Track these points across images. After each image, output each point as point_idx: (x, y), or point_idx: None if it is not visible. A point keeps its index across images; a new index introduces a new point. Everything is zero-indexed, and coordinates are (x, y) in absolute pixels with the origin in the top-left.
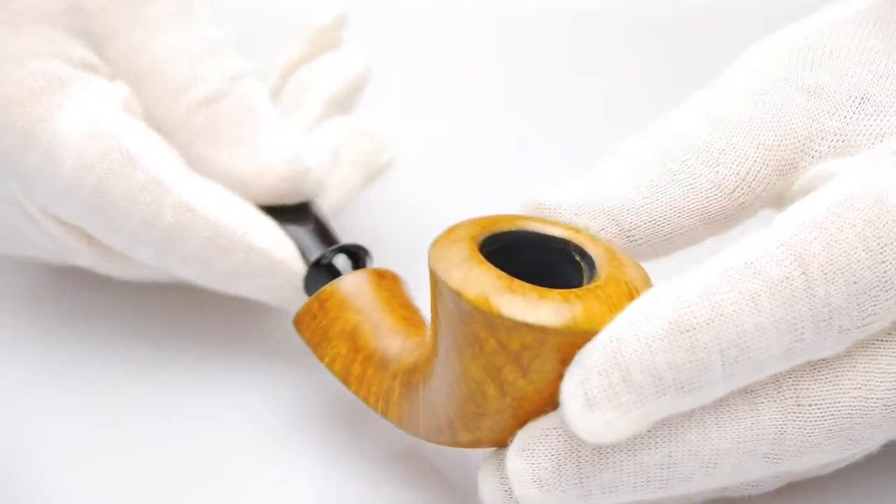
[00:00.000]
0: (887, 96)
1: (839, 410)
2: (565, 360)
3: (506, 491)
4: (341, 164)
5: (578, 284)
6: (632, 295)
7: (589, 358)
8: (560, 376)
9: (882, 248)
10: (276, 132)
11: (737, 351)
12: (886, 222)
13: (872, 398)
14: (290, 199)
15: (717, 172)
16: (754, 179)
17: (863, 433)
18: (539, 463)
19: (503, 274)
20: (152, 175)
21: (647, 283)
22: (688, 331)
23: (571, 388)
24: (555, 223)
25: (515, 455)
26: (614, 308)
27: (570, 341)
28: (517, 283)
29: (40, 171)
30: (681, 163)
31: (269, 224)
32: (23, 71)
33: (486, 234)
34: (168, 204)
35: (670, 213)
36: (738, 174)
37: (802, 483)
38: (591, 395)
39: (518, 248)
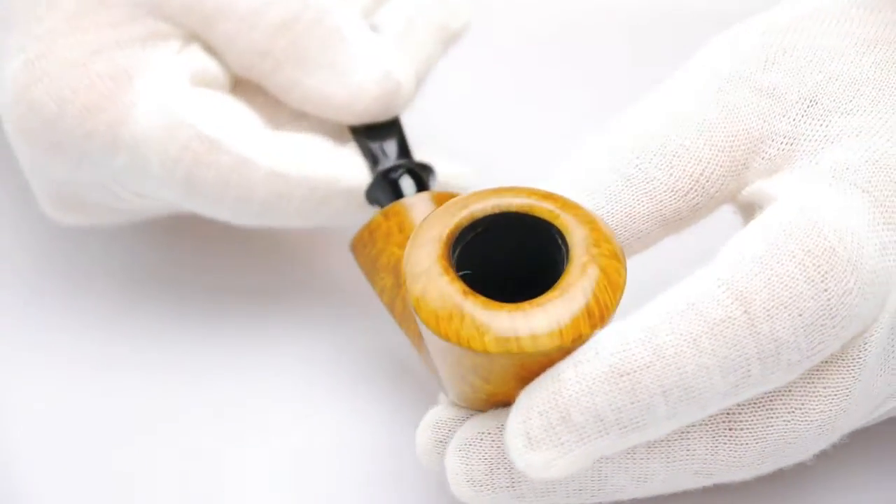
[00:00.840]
0: (834, 100)
1: (771, 434)
2: (523, 369)
3: (437, 451)
4: (416, 32)
5: (563, 264)
6: (590, 307)
7: (530, 398)
8: (522, 379)
9: (823, 276)
10: (363, 50)
11: (680, 391)
12: (824, 250)
13: (806, 421)
14: (382, 118)
15: (671, 175)
16: (707, 181)
17: (796, 453)
18: (473, 465)
19: (458, 289)
20: (237, 154)
21: (618, 277)
22: (628, 373)
23: (513, 427)
24: (546, 195)
25: (452, 453)
26: (564, 326)
27: (519, 361)
28: (469, 302)
29: (130, 169)
30: (635, 167)
31: (358, 161)
32: (90, 75)
33: (466, 222)
34: (259, 179)
35: (626, 220)
36: (691, 176)
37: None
38: (531, 435)
39: (503, 228)
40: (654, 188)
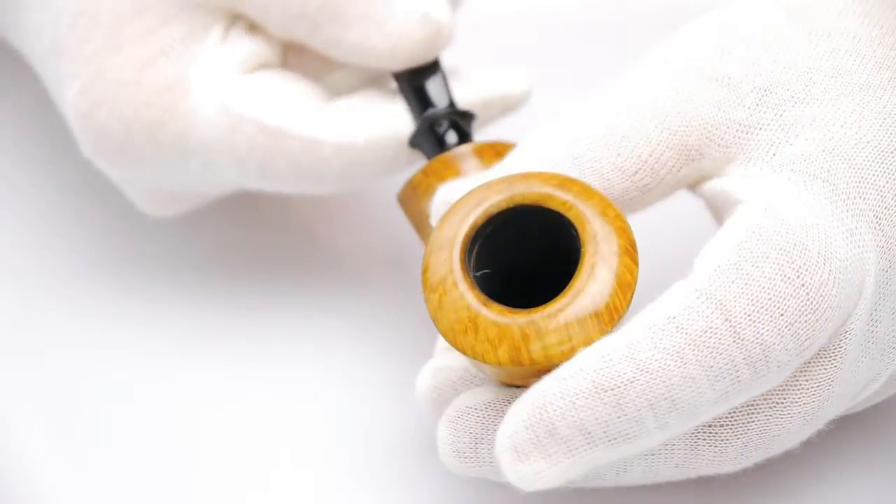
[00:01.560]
0: (788, 89)
1: (753, 429)
2: (536, 373)
3: (434, 396)
4: None
5: (579, 254)
6: (600, 313)
7: (517, 413)
8: (537, 375)
9: (798, 272)
10: None
11: (667, 403)
12: (795, 246)
13: (788, 415)
14: (425, 60)
15: (619, 155)
16: (657, 162)
17: (781, 444)
18: (459, 437)
19: (474, 298)
20: (303, 136)
21: (629, 277)
22: (612, 389)
23: (502, 441)
24: (564, 181)
25: (443, 423)
26: (576, 337)
27: (532, 370)
28: (484, 314)
29: (206, 168)
30: (584, 146)
31: (407, 118)
32: (146, 91)
33: (482, 220)
34: (330, 154)
35: None
36: (640, 157)
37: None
38: (519, 448)
39: (520, 220)
40: (602, 167)
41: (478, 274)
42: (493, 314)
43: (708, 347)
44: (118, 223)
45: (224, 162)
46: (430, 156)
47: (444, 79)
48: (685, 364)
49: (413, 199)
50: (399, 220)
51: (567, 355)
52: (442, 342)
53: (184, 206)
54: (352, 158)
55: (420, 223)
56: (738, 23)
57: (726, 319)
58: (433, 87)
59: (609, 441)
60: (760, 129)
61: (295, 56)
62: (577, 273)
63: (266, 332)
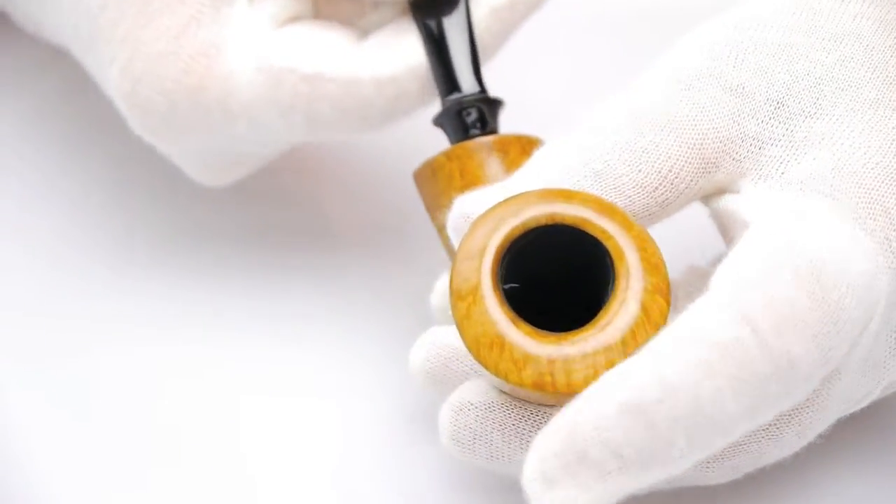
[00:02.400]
0: (799, 102)
1: (744, 455)
2: (557, 400)
3: (426, 368)
4: None
5: (611, 287)
6: (628, 350)
7: (545, 442)
8: (554, 400)
9: (820, 287)
10: None
11: (698, 419)
12: (813, 261)
13: (779, 437)
14: None
15: (640, 171)
16: (676, 177)
17: (774, 458)
18: (459, 429)
19: (504, 314)
20: (343, 78)
21: (659, 317)
22: (641, 410)
23: (530, 471)
24: (605, 207)
25: (445, 411)
26: (601, 371)
27: (554, 397)
28: (512, 332)
29: (253, 129)
30: (604, 163)
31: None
32: (184, 59)
33: (518, 233)
34: (372, 92)
35: None
36: (660, 173)
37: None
38: (548, 475)
39: (556, 237)
40: (623, 184)
41: (507, 287)
42: (522, 336)
43: (735, 359)
44: (118, 211)
45: (269, 118)
46: (452, 140)
47: (475, 50)
48: (714, 376)
49: (430, 181)
50: (407, 197)
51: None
52: (438, 301)
53: (238, 172)
54: (394, 92)
55: (433, 205)
56: (751, 26)
57: (753, 330)
58: (454, 28)
59: (641, 464)
60: (772, 144)
61: (327, 4)
62: (607, 305)
63: (273, 310)
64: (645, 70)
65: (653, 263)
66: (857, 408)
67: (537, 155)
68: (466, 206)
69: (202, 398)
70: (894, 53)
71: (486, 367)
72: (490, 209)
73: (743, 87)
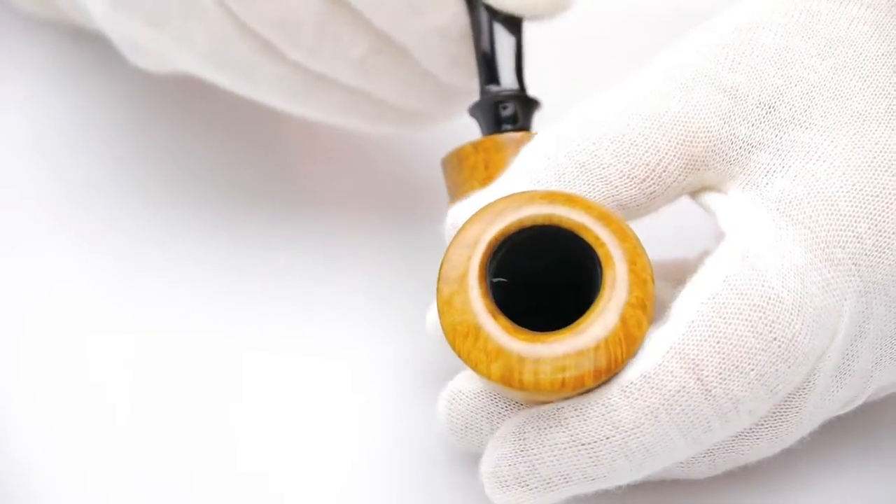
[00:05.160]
0: (790, 108)
1: (720, 450)
2: (523, 397)
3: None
4: None
5: (596, 292)
6: (598, 364)
7: (498, 449)
8: (521, 397)
9: (770, 327)
10: None
11: (642, 454)
12: (769, 299)
13: (756, 437)
14: (550, 12)
15: (627, 162)
16: (664, 171)
17: (752, 459)
18: (453, 417)
19: (484, 306)
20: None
21: (637, 330)
22: (589, 444)
23: (486, 469)
24: (602, 215)
25: (442, 400)
26: (568, 377)
27: (520, 394)
28: (489, 324)
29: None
30: (591, 154)
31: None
32: None
33: (514, 228)
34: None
35: None
36: (647, 165)
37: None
38: (501, 479)
39: (551, 238)
40: (609, 174)
41: (494, 280)
42: (498, 329)
43: (680, 406)
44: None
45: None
46: (484, 132)
47: (521, 48)
48: (658, 422)
49: (455, 169)
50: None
51: (555, 390)
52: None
53: (165, 62)
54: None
55: (454, 193)
56: (749, 27)
57: (698, 379)
58: (507, 49)
59: (587, 481)
60: (760, 149)
61: None
62: (588, 312)
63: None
64: (639, 68)
65: (641, 278)
66: (844, 411)
67: (525, 150)
68: (459, 218)
69: (208, 386)
70: (885, 62)
71: (459, 355)
72: (493, 202)
73: (736, 89)
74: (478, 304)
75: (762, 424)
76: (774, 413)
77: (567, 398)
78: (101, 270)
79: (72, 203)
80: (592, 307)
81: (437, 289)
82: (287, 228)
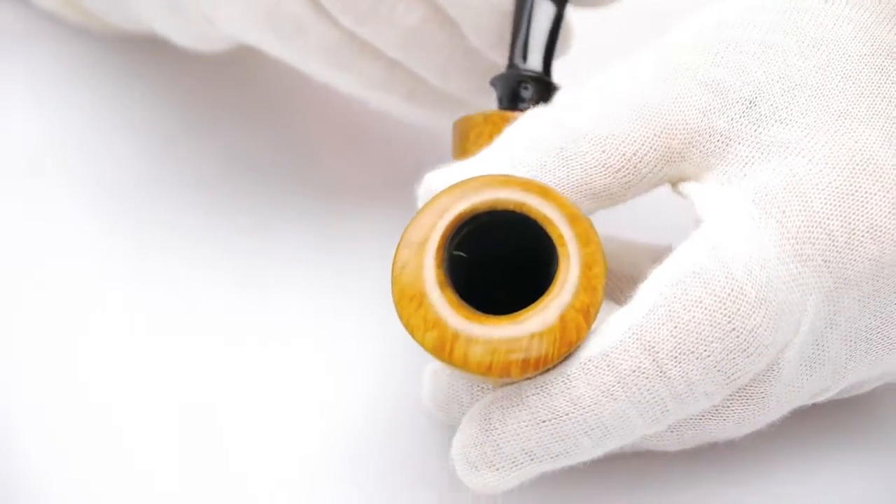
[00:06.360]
0: (771, 104)
1: (687, 428)
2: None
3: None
4: None
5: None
6: (527, 358)
7: (466, 430)
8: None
9: (729, 319)
10: None
11: (601, 431)
12: (731, 292)
13: (722, 419)
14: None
15: (604, 151)
16: (640, 161)
17: (720, 438)
18: (436, 392)
19: (435, 277)
20: None
21: (575, 334)
22: (549, 420)
23: (455, 452)
24: (579, 219)
25: (426, 374)
26: (495, 364)
27: (450, 368)
28: (436, 294)
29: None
30: (570, 141)
31: None
32: None
33: (483, 208)
34: None
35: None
36: (623, 155)
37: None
38: (470, 461)
39: (521, 225)
40: (586, 161)
41: (455, 253)
42: (442, 300)
43: (636, 385)
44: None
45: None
46: (500, 106)
47: (556, 34)
48: (615, 400)
49: (462, 135)
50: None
51: (482, 372)
52: None
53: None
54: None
55: (456, 157)
56: (734, 24)
57: (653, 360)
58: (542, 30)
59: (551, 458)
60: (739, 143)
61: None
62: (532, 305)
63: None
64: (622, 61)
65: (592, 284)
66: (818, 400)
67: (507, 130)
68: (433, 183)
69: (201, 387)
70: (869, 63)
71: (400, 317)
72: (472, 179)
73: (718, 84)
74: (430, 272)
75: (728, 406)
76: (740, 397)
77: (495, 382)
78: (101, 270)
79: (81, 196)
80: (538, 301)
81: (396, 248)
82: (300, 219)
